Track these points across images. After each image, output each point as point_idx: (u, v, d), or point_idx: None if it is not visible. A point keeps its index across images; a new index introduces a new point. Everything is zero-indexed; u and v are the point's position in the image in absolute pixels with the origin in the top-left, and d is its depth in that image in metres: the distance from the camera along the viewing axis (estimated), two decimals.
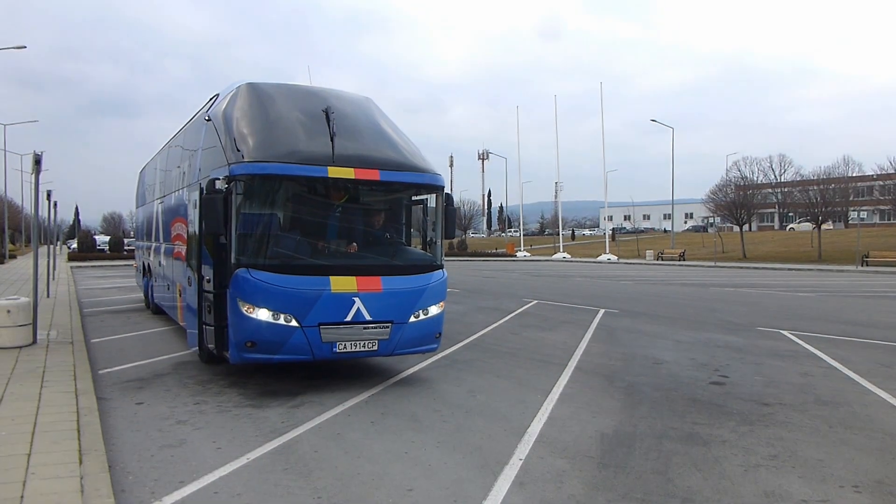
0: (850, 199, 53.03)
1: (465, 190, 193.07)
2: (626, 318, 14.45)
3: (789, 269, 37.13)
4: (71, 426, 5.59)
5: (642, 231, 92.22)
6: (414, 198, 8.48)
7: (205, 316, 7.88)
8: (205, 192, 7.41)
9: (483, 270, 36.48)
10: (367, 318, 7.20)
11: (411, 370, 8.57)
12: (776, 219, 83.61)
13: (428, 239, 8.36)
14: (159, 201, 13.11)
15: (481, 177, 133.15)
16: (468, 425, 6.18)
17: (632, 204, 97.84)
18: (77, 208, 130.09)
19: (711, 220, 71.96)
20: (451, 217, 8.21)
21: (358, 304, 7.14)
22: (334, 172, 7.19)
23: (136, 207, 18.78)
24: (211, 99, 9.83)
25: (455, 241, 58.49)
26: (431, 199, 8.20)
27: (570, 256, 57.85)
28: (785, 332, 12.14)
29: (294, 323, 6.92)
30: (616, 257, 53.86)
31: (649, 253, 53.40)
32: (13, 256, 48.05)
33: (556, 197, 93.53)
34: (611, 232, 68.50)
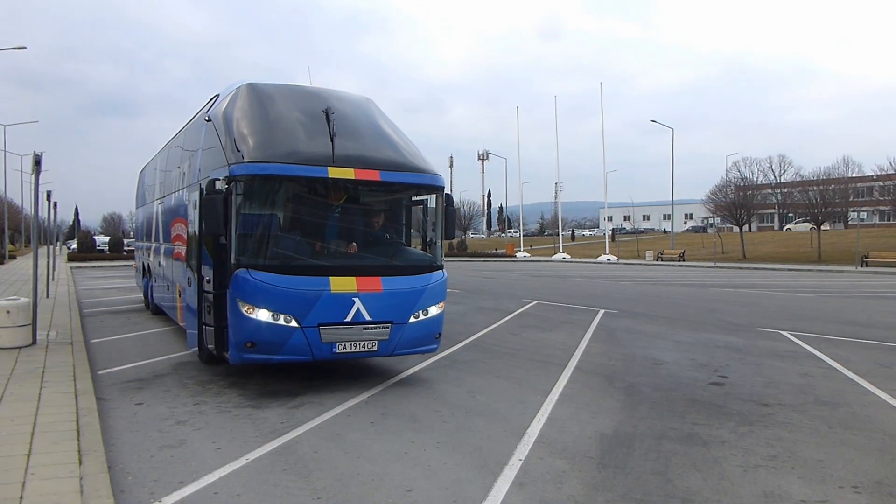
0: (850, 199, 53.05)
1: (464, 190, 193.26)
2: (626, 318, 14.45)
3: (789, 270, 37.12)
4: (70, 427, 5.59)
5: (642, 231, 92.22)
6: (414, 198, 8.48)
7: (204, 316, 7.88)
8: (205, 192, 7.42)
9: (483, 271, 36.48)
10: (367, 318, 7.20)
11: (411, 371, 8.58)
12: (776, 219, 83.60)
13: (428, 239, 8.36)
14: (159, 202, 13.11)
15: (481, 177, 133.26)
16: (468, 426, 6.18)
17: (632, 204, 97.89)
18: (77, 208, 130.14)
19: (711, 221, 72.04)
20: (451, 217, 8.21)
21: (358, 304, 7.14)
22: (334, 173, 7.19)
23: (136, 208, 18.78)
24: (211, 99, 9.83)
25: (455, 241, 58.51)
26: (431, 200, 8.21)
27: (569, 257, 57.84)
28: (785, 333, 12.14)
29: (294, 323, 6.93)
30: (616, 258, 53.84)
31: (649, 253, 53.39)
32: (13, 257, 48.03)
33: (555, 197, 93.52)
34: (610, 232, 68.51)
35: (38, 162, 10.13)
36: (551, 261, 54.15)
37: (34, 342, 9.81)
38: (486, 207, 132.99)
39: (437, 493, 4.57)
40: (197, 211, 8.22)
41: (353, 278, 7.22)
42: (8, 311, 9.36)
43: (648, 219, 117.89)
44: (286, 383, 7.74)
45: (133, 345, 10.67)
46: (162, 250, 12.27)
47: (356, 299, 7.14)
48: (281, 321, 6.90)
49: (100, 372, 8.38)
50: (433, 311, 7.78)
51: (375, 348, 7.35)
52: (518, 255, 61.46)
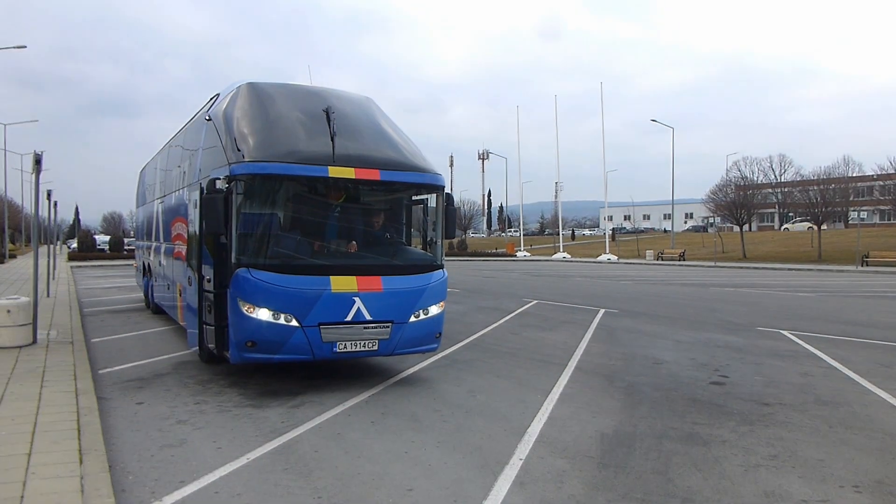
0: (850, 199, 53.03)
1: (465, 190, 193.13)
2: (627, 318, 14.45)
3: (789, 270, 37.12)
4: (71, 426, 5.59)
5: (642, 231, 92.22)
6: (414, 197, 8.48)
7: (205, 316, 7.88)
8: (205, 191, 7.41)
9: (483, 270, 36.48)
10: (368, 317, 7.20)
11: (411, 370, 8.58)
12: (776, 219, 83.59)
13: (428, 239, 8.36)
14: (159, 201, 13.11)
15: (481, 177, 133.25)
16: (468, 425, 6.18)
17: (632, 204, 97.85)
18: (77, 208, 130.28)
19: (711, 221, 71.94)
20: (452, 217, 8.21)
21: (358, 303, 7.14)
22: (335, 172, 7.19)
23: (137, 207, 18.78)
24: (211, 99, 9.83)
25: (455, 240, 58.48)
26: (432, 199, 8.21)
27: (570, 256, 57.84)
28: (785, 332, 12.14)
29: (294, 323, 6.93)
30: (616, 257, 53.84)
31: (649, 253, 53.40)
32: (13, 256, 48.07)
33: (556, 197, 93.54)
34: (611, 232, 68.49)
35: (38, 161, 10.13)
36: (551, 260, 54.14)
37: (35, 341, 9.81)
38: (486, 207, 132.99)
39: (437, 492, 4.57)
40: (197, 210, 8.22)
41: (354, 278, 7.22)
42: (8, 311, 9.37)
43: (649, 218, 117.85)
44: (287, 383, 7.74)
45: (133, 344, 10.68)
46: (162, 249, 12.27)
47: (357, 299, 7.14)
48: (281, 320, 6.90)
49: (100, 371, 8.38)
50: (433, 310, 7.78)
51: (376, 348, 7.35)
52: (518, 254, 61.47)
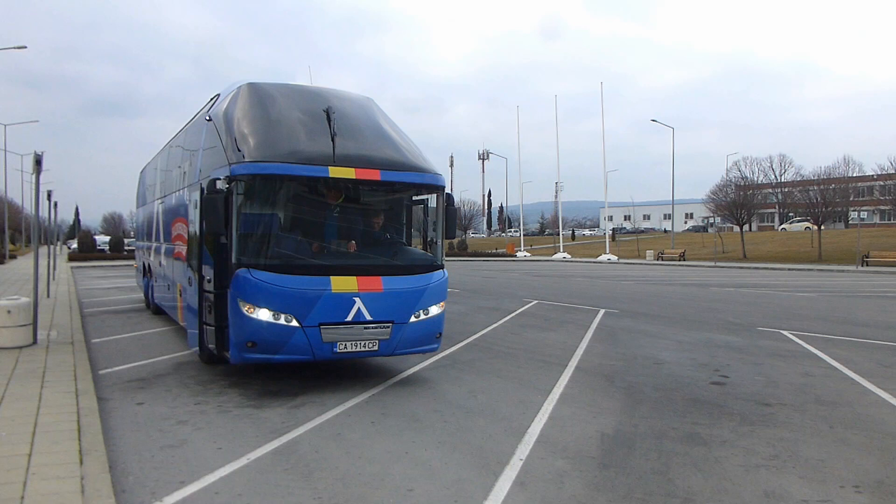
0: (851, 199, 53.05)
1: (465, 190, 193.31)
2: (627, 318, 14.45)
3: (789, 270, 37.13)
4: (71, 426, 5.59)
5: (642, 231, 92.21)
6: (415, 198, 8.48)
7: (205, 316, 7.87)
8: (205, 192, 7.41)
9: (483, 270, 36.48)
10: (368, 318, 7.20)
11: (412, 370, 8.57)
12: (776, 219, 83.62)
13: (428, 239, 8.36)
14: (160, 201, 13.11)
15: (481, 177, 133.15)
16: (469, 425, 6.18)
17: (632, 204, 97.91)
18: (77, 208, 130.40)
19: (711, 221, 71.98)
20: (452, 217, 8.21)
21: (358, 304, 7.14)
22: (335, 172, 7.19)
23: (137, 207, 18.78)
24: (212, 99, 9.83)
25: (455, 241, 58.50)
26: (432, 199, 8.21)
27: (570, 256, 57.84)
28: (785, 332, 12.14)
29: (295, 323, 6.93)
30: (616, 257, 53.85)
31: (649, 253, 53.40)
32: (13, 256, 48.05)
33: (556, 197, 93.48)
34: (611, 232, 68.50)
35: (38, 161, 10.13)
36: (552, 260, 54.14)
37: (35, 342, 9.81)
38: (486, 207, 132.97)
39: (438, 492, 4.57)
40: (198, 210, 8.22)
41: (354, 278, 7.22)
42: (9, 311, 9.37)
43: (649, 218, 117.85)
44: (287, 383, 7.74)
45: (134, 344, 10.67)
46: (162, 250, 12.27)
47: (357, 299, 7.14)
48: (282, 321, 6.90)
49: (100, 372, 8.38)
50: (434, 310, 7.78)
51: (376, 348, 7.34)
52: (518, 254, 61.47)
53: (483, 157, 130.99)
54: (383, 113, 8.89)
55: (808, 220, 56.34)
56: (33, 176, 10.58)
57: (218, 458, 5.16)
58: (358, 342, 7.20)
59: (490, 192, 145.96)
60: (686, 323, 13.66)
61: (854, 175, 62.65)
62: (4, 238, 48.32)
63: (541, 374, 8.46)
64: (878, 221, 73.01)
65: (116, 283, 25.29)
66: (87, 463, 4.73)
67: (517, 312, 15.52)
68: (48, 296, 17.47)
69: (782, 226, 74.90)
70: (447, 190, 8.24)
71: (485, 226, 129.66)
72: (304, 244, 7.45)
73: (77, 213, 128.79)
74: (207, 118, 8.69)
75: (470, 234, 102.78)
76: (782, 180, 69.68)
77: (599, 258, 53.73)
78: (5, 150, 49.84)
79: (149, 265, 14.71)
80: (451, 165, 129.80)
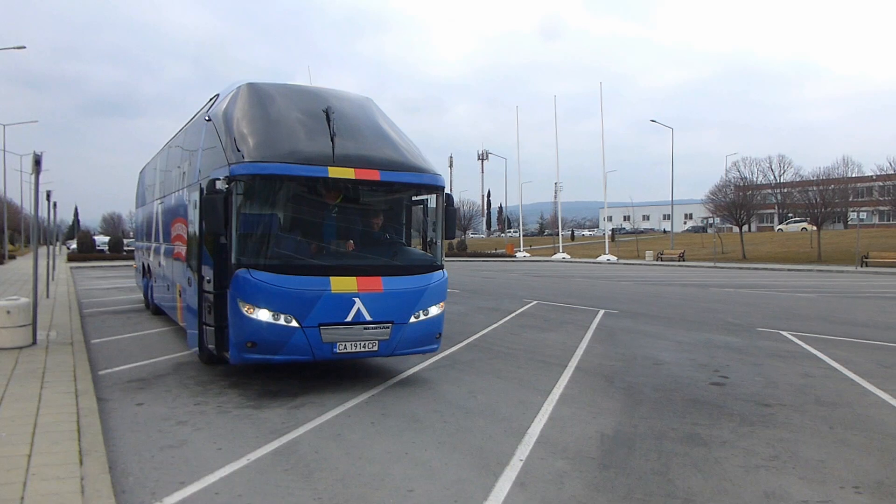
0: (850, 199, 53.08)
1: (464, 190, 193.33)
2: (626, 318, 14.45)
3: (789, 270, 37.14)
4: (71, 427, 5.58)
5: (642, 231, 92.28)
6: (414, 198, 8.48)
7: (205, 316, 7.87)
8: (205, 192, 7.41)
9: (482, 271, 36.48)
10: (368, 318, 7.20)
11: (411, 371, 8.57)
12: (776, 219, 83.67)
13: (428, 239, 8.36)
14: (159, 202, 13.10)
15: (481, 177, 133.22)
16: (469, 426, 6.18)
17: (631, 204, 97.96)
18: (77, 209, 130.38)
19: (711, 221, 72.02)
20: (452, 217, 8.21)
21: (358, 304, 7.14)
22: (335, 172, 7.19)
23: (136, 208, 18.78)
24: (211, 99, 9.83)
25: (455, 241, 58.50)
26: (432, 200, 8.20)
27: (569, 257, 57.85)
28: (785, 333, 12.14)
29: (294, 323, 6.92)
30: (616, 258, 53.85)
31: (649, 253, 53.40)
32: (13, 257, 48.02)
33: (555, 197, 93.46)
34: (610, 232, 68.52)
35: (37, 162, 10.12)
36: (551, 261, 54.14)
37: (34, 342, 9.80)
38: (485, 207, 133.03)
39: (438, 493, 4.57)
40: (197, 211, 8.22)
41: (354, 278, 7.22)
42: (8, 312, 9.36)
43: (648, 219, 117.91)
44: (287, 383, 7.74)
45: (133, 345, 10.67)
46: (162, 250, 12.26)
47: (357, 299, 7.14)
48: (281, 321, 6.90)
49: (100, 372, 8.38)
50: (434, 311, 7.78)
51: (376, 348, 7.34)
52: (518, 255, 61.46)
53: (482, 157, 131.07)
54: (382, 113, 8.89)
55: (805, 221, 56.39)
56: (33, 176, 10.57)
57: (218, 459, 5.16)
58: (358, 342, 7.19)
59: (489, 192, 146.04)
60: (686, 323, 13.66)
61: (853, 175, 62.71)
62: (4, 238, 48.28)
63: (540, 375, 8.46)
64: (877, 222, 73.04)
65: (116, 283, 25.28)
66: (86, 463, 4.72)
67: (517, 313, 15.52)
68: (48, 296, 17.46)
69: (779, 226, 74.90)
70: (447, 190, 8.24)
71: (484, 226, 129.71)
72: (303, 244, 7.45)
73: (76, 214, 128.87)
74: (207, 118, 8.69)
75: (469, 234, 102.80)
76: (782, 181, 69.70)
77: (599, 258, 53.74)
78: (5, 151, 49.83)
79: (148, 265, 14.70)
80: (451, 165, 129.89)
